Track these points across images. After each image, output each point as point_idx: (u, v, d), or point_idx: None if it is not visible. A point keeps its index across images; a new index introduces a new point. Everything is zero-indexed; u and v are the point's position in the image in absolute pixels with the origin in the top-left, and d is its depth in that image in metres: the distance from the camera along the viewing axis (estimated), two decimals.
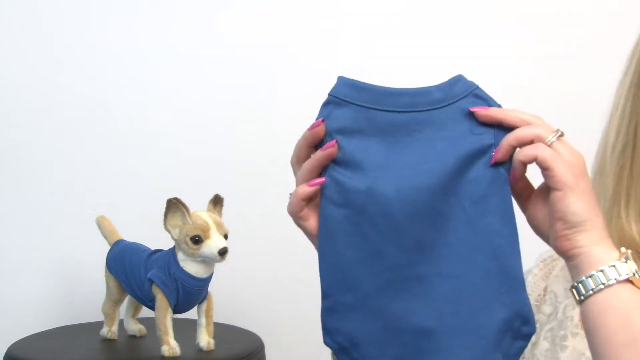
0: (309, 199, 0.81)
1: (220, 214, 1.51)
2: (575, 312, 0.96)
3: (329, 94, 0.80)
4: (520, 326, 0.78)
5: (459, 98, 0.79)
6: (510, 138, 0.77)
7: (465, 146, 0.78)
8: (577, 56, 1.88)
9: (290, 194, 0.82)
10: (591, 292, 0.75)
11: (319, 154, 0.80)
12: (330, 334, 0.81)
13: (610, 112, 0.93)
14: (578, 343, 0.93)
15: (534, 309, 1.00)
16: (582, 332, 0.93)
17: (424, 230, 0.78)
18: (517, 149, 0.77)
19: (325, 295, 0.80)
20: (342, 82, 0.81)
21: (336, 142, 0.79)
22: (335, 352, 0.81)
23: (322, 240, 0.80)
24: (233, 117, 1.86)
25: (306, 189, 0.80)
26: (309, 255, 0.86)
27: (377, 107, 0.79)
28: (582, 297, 0.76)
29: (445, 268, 0.78)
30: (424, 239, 0.78)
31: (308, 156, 0.81)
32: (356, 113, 0.80)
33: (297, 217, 0.81)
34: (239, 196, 1.67)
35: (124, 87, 1.85)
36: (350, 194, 0.79)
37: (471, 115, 0.79)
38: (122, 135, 1.85)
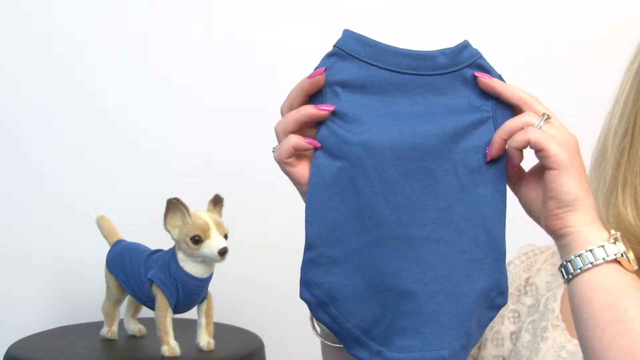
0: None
1: (220, 214, 1.51)
2: (556, 305, 0.97)
3: (335, 46, 0.79)
4: (496, 297, 0.79)
5: (462, 66, 0.79)
6: (501, 132, 0.78)
7: (464, 115, 0.78)
8: (575, 55, 1.88)
9: (274, 149, 0.80)
10: (579, 270, 0.76)
11: (309, 110, 0.78)
12: (309, 288, 0.78)
13: (615, 97, 0.93)
14: (559, 335, 0.94)
15: (514, 299, 1.02)
16: (562, 325, 0.95)
17: (416, 191, 0.77)
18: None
19: (309, 247, 0.78)
20: (349, 35, 0.79)
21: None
22: (312, 307, 0.79)
23: (313, 191, 0.78)
24: (233, 117, 1.86)
25: (302, 144, 0.78)
26: None
27: (380, 65, 0.78)
28: (570, 276, 0.77)
29: (434, 232, 0.78)
30: (415, 200, 0.77)
31: (301, 105, 0.79)
32: (359, 68, 0.78)
33: (284, 163, 0.79)
34: (239, 196, 1.67)
35: (123, 87, 1.85)
36: (346, 147, 0.78)
37: (471, 85, 0.79)
38: (123, 135, 1.85)
